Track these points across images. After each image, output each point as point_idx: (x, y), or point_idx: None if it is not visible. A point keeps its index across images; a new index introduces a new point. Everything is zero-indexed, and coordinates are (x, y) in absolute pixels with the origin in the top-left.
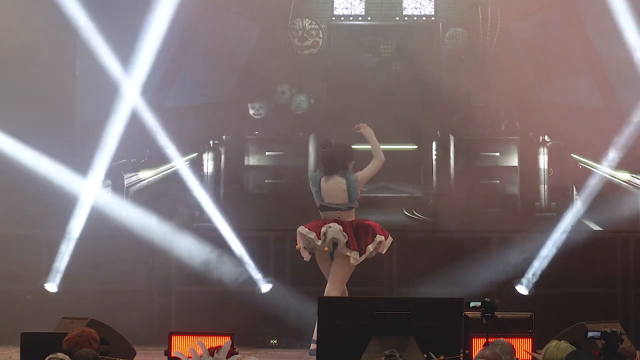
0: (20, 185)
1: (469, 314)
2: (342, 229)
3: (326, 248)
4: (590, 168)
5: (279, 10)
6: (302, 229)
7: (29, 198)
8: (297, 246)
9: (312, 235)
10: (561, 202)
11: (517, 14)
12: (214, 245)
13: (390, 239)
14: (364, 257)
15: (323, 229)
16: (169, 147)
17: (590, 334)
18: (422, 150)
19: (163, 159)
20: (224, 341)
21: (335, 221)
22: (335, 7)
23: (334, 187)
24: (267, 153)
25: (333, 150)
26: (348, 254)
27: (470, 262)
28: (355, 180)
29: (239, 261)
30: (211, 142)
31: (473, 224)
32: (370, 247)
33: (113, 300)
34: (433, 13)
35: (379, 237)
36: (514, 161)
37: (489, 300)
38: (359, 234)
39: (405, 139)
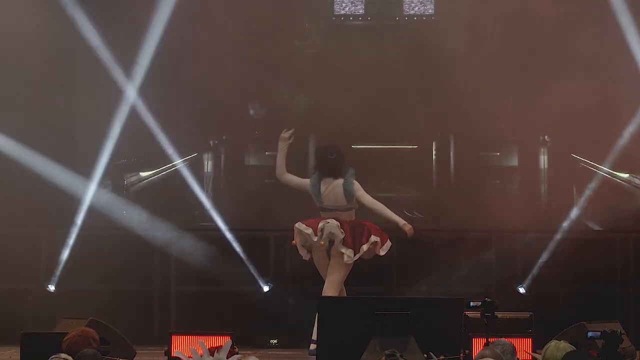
0: (20, 185)
1: (469, 314)
2: (339, 225)
3: (322, 242)
4: (590, 168)
5: (279, 10)
6: (299, 225)
7: (29, 198)
8: (293, 241)
9: (309, 231)
10: (561, 202)
11: (517, 13)
12: (214, 245)
13: (389, 243)
14: (357, 256)
15: (320, 224)
16: (169, 147)
17: (590, 334)
18: (422, 150)
19: (163, 159)
20: (224, 341)
21: (334, 218)
22: (335, 7)
23: (334, 190)
24: (267, 153)
25: (339, 158)
26: (343, 251)
27: (470, 262)
28: (349, 189)
29: (238, 261)
30: (211, 142)
31: (473, 224)
32: (365, 247)
33: (113, 300)
34: (433, 13)
35: (374, 238)
36: (514, 161)
37: (489, 300)
38: (355, 233)
39: (405, 139)
